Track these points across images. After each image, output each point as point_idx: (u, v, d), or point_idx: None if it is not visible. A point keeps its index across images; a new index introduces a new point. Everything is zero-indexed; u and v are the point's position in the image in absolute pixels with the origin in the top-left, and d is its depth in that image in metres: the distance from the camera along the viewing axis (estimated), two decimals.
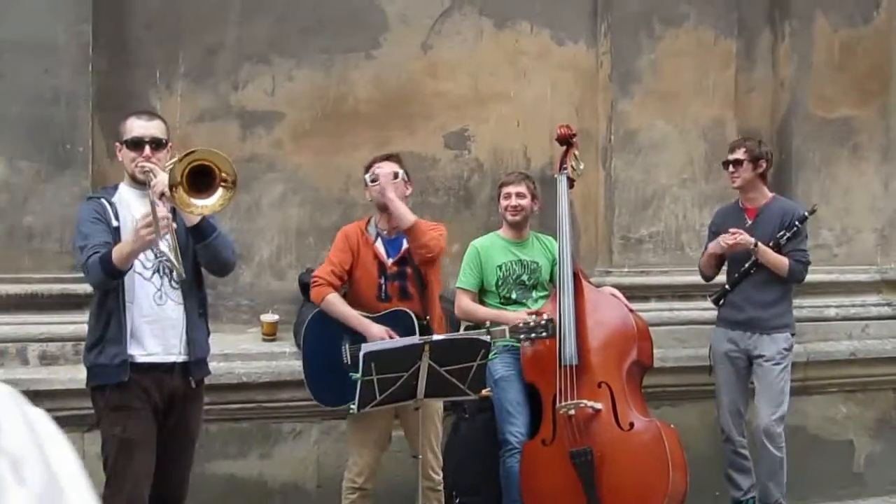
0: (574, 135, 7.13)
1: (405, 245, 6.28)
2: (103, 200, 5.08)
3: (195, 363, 5.28)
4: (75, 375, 6.47)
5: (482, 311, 6.89)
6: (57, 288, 6.68)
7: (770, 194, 7.25)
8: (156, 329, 5.11)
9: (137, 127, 5.16)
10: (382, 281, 6.21)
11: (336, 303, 6.13)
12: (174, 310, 5.17)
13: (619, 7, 7.99)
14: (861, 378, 8.27)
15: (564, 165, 7.08)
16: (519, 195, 7.02)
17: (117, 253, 4.83)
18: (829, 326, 8.23)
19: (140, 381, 5.04)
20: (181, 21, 7.36)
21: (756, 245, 6.87)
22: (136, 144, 5.11)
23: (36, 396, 6.40)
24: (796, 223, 7.03)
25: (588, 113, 8.13)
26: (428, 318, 6.22)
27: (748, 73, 8.46)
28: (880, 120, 8.56)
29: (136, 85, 7.23)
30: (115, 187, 5.25)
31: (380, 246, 6.29)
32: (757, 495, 7.18)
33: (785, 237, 6.98)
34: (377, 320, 6.08)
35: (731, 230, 6.91)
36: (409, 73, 7.79)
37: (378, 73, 7.71)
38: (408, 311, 6.13)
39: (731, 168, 7.13)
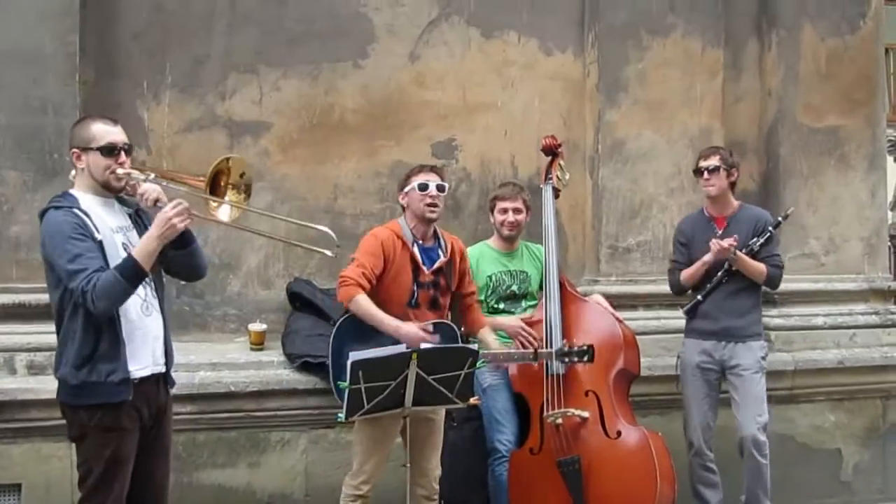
0: (559, 145, 7.15)
1: (442, 257, 6.31)
2: (76, 211, 4.88)
3: (169, 372, 5.24)
4: None
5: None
6: (45, 298, 6.58)
7: (736, 203, 7.21)
8: (148, 340, 5.03)
9: (110, 133, 5.01)
10: (415, 287, 6.18)
11: (365, 304, 5.99)
12: (156, 319, 5.11)
13: (606, 17, 8.01)
14: (849, 386, 8.26)
15: (550, 176, 7.10)
16: (516, 210, 7.01)
17: (142, 253, 4.74)
18: (817, 335, 8.23)
19: (133, 401, 4.93)
20: (168, 32, 7.38)
21: (735, 253, 6.85)
22: (111, 151, 4.97)
23: (24, 406, 6.43)
24: (770, 229, 7.02)
25: (575, 122, 8.16)
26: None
27: (735, 83, 8.49)
28: (867, 129, 8.57)
29: (124, 95, 7.25)
30: (67, 195, 5.00)
31: (417, 252, 6.24)
32: None
33: (758, 244, 6.97)
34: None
35: (727, 239, 6.85)
36: (396, 83, 7.81)
37: (365, 83, 7.73)
38: (451, 324, 6.20)
39: (705, 175, 7.03)
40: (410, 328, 5.93)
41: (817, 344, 8.22)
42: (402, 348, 5.49)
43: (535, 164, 7.85)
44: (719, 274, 6.96)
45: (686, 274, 7.14)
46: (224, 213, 4.98)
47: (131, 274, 4.71)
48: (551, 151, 7.13)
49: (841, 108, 8.50)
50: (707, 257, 6.94)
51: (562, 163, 7.14)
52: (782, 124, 8.41)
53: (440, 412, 6.21)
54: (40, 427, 6.47)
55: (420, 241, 6.30)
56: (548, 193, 7.06)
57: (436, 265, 6.27)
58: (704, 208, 7.26)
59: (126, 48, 7.28)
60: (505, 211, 7.02)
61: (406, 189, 6.32)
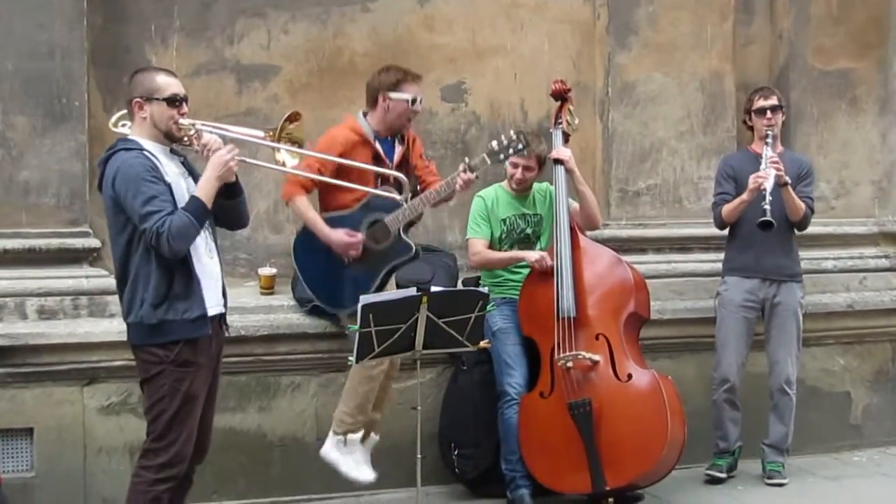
0: (568, 90, 7.12)
1: (399, 148, 6.66)
2: (146, 154, 5.04)
3: (226, 313, 5.45)
4: (74, 329, 6.51)
5: (498, 255, 7.02)
6: (55, 242, 6.66)
7: (780, 146, 7.35)
8: (212, 282, 5.22)
9: (174, 84, 5.19)
10: (378, 183, 6.39)
11: (302, 206, 6.55)
12: (217, 262, 5.32)
13: None
14: (858, 330, 8.30)
15: (559, 120, 7.07)
16: (527, 168, 6.99)
17: (205, 194, 5.01)
18: (827, 278, 8.24)
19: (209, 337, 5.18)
20: None
21: (787, 183, 6.97)
22: (175, 101, 5.15)
23: (35, 351, 6.44)
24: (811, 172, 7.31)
25: (585, 65, 8.12)
26: None
27: (746, 26, 8.45)
28: (878, 72, 8.56)
29: (132, 39, 7.20)
30: (130, 141, 5.15)
31: (379, 147, 6.52)
32: (771, 441, 7.38)
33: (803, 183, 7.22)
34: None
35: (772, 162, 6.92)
36: (405, 27, 7.76)
37: (374, 27, 7.68)
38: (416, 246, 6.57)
39: (768, 115, 7.19)
40: (338, 235, 6.44)
41: (827, 287, 8.23)
42: (412, 291, 5.50)
43: (544, 108, 7.81)
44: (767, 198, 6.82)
45: (727, 210, 7.22)
46: (288, 159, 5.46)
47: (200, 214, 4.97)
48: (560, 96, 7.10)
49: (852, 51, 8.47)
50: (745, 196, 7.02)
51: (571, 107, 7.11)
52: (793, 67, 8.38)
53: None
54: (52, 371, 6.49)
55: (380, 136, 6.65)
56: (557, 139, 7.03)
57: (398, 157, 6.61)
58: (750, 147, 7.40)
59: None
60: (516, 166, 7.01)
61: (394, 95, 6.63)
